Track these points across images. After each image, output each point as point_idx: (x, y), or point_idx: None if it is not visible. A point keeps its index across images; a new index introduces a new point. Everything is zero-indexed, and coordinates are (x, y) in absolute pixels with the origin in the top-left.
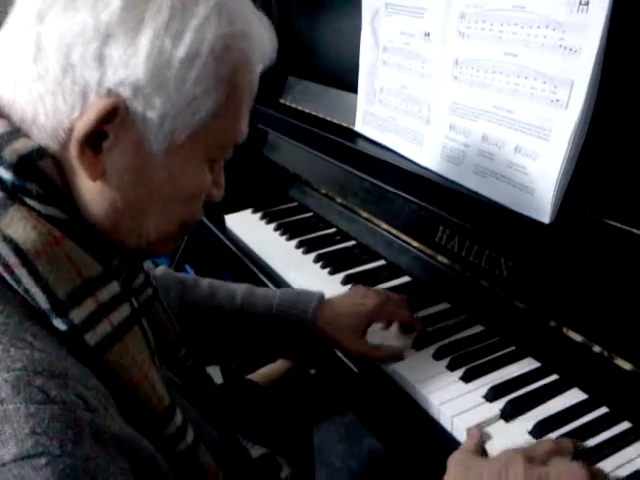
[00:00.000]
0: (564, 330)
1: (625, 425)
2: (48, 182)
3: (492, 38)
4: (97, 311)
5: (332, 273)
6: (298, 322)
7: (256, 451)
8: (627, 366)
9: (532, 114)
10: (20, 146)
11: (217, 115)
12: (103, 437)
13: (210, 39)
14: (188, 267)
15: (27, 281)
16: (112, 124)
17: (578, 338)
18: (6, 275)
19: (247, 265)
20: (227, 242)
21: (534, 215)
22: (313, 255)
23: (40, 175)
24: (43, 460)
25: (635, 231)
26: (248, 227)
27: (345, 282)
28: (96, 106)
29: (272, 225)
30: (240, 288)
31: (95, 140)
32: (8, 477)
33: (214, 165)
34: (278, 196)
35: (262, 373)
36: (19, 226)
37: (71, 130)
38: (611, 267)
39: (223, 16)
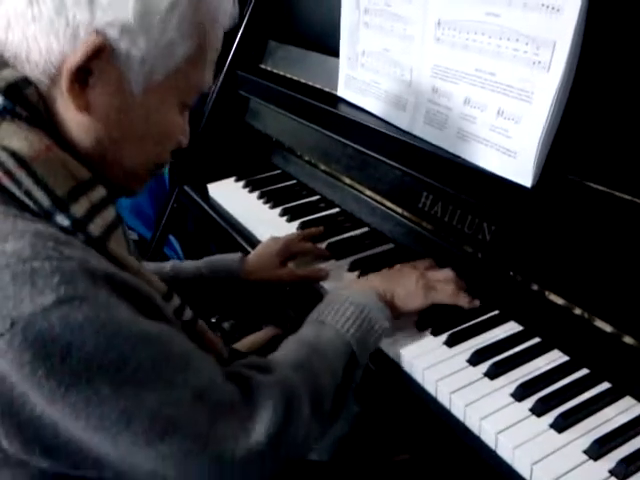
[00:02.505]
0: (546, 293)
1: (605, 385)
2: (33, 108)
3: None
4: (92, 208)
5: (316, 240)
6: (228, 274)
7: None
8: (608, 328)
9: (514, 76)
10: (7, 74)
11: (189, 61)
12: (113, 280)
13: None
14: (172, 238)
15: (27, 182)
16: (98, 61)
17: (560, 301)
18: (6, 182)
19: (231, 234)
20: (210, 211)
21: (516, 179)
22: (297, 223)
23: (26, 101)
24: (77, 302)
25: (617, 194)
26: (231, 196)
27: (329, 249)
28: (85, 44)
29: (255, 193)
30: (166, 262)
31: (83, 75)
32: (52, 319)
33: (183, 109)
34: (261, 164)
35: (247, 342)
36: (13, 138)
37: (61, 66)
38: (593, 230)
39: None
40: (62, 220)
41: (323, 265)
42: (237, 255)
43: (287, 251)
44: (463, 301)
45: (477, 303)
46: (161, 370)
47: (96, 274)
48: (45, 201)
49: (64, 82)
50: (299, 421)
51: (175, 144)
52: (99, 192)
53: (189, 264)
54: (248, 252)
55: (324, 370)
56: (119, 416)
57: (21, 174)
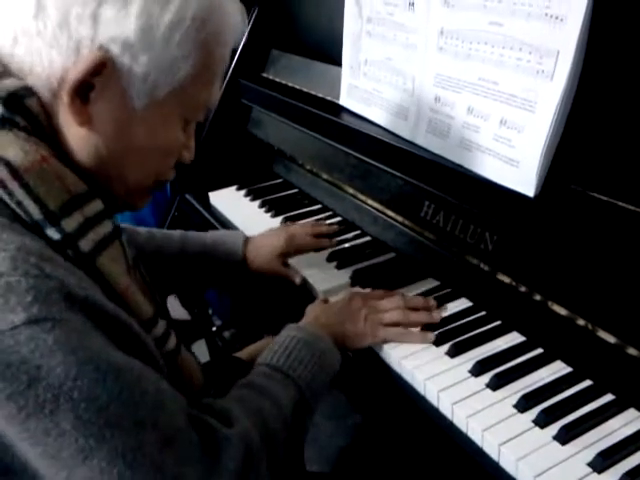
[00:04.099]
0: (549, 304)
1: (609, 397)
2: (34, 119)
3: (477, 7)
4: (85, 223)
5: (318, 250)
6: (228, 254)
7: None
8: (611, 339)
9: (517, 86)
10: (9, 83)
11: (193, 79)
12: (94, 309)
13: (193, 9)
14: None
15: (19, 193)
16: (100, 77)
17: (563, 312)
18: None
19: None
20: (212, 220)
21: (519, 188)
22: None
23: (27, 111)
24: (49, 324)
25: (620, 204)
26: (233, 204)
27: (330, 259)
28: (87, 59)
29: (257, 202)
30: (175, 232)
31: (84, 90)
32: (20, 338)
33: (187, 126)
34: (262, 173)
35: (249, 350)
36: (9, 147)
37: (63, 80)
38: (596, 240)
39: None
40: (53, 233)
41: (328, 274)
42: (239, 237)
43: (290, 246)
44: (415, 339)
45: (431, 337)
46: (130, 410)
47: (75, 297)
48: (36, 213)
49: (65, 96)
50: (258, 476)
51: (177, 160)
52: (95, 206)
53: (195, 239)
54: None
55: (279, 420)
56: (78, 451)
57: (14, 184)
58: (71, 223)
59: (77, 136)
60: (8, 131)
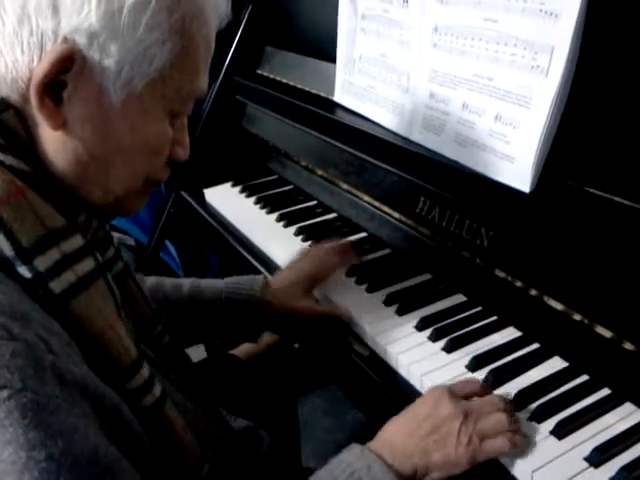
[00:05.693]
0: (545, 299)
1: (605, 392)
2: (10, 134)
3: (471, 3)
4: (61, 261)
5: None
6: (248, 301)
7: (238, 424)
8: (607, 334)
9: (512, 81)
10: None
11: (174, 66)
12: (65, 380)
13: None
14: (168, 243)
15: None
16: (70, 73)
17: (559, 307)
18: None
19: (227, 240)
20: (207, 217)
21: (515, 184)
22: (294, 228)
23: (2, 127)
24: (5, 393)
25: (616, 199)
26: (228, 201)
27: None
28: (51, 53)
29: (252, 198)
30: (185, 280)
31: (55, 90)
32: None
33: (175, 120)
34: (257, 169)
35: (245, 348)
36: None
37: (30, 80)
38: (592, 236)
39: None
40: (24, 272)
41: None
42: (258, 281)
43: (320, 276)
44: (518, 450)
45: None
46: None
47: (44, 364)
48: (8, 250)
49: (33, 97)
50: None
51: (169, 157)
52: (74, 242)
53: (208, 286)
54: (244, 257)
55: None
56: None
57: None
58: (44, 261)
59: (53, 142)
60: None
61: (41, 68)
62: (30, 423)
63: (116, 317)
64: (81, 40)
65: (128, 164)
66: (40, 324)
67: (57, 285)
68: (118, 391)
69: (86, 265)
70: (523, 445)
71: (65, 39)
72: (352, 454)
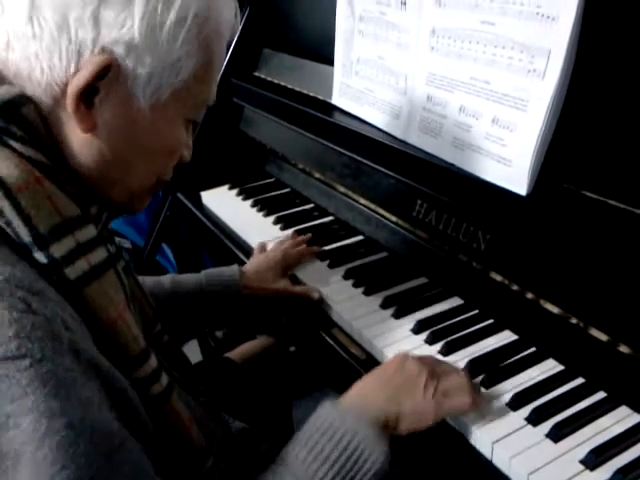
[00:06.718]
0: (541, 302)
1: (601, 395)
2: (30, 128)
3: (469, 6)
4: (76, 249)
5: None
6: (229, 287)
7: (236, 426)
8: (603, 337)
9: (509, 85)
10: (3, 92)
11: (196, 78)
12: (80, 356)
13: (195, 7)
14: (165, 246)
15: (9, 212)
16: (105, 80)
17: (555, 310)
18: None
19: (224, 242)
20: (204, 219)
21: (511, 187)
22: (290, 231)
23: (22, 120)
24: (27, 362)
25: (612, 202)
26: (225, 204)
27: (323, 258)
28: (91, 63)
29: (249, 201)
30: (165, 276)
31: (88, 95)
32: None
33: (189, 125)
34: (254, 172)
35: (241, 351)
36: (3, 164)
37: (65, 85)
38: (588, 239)
39: None
40: (40, 257)
41: (321, 273)
42: (235, 269)
43: (285, 264)
44: (481, 405)
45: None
46: None
47: (62, 338)
48: (25, 236)
49: (69, 103)
50: None
51: (178, 160)
52: (88, 232)
53: (188, 278)
54: (241, 260)
55: None
56: None
57: (4, 204)
58: (60, 248)
59: (81, 142)
60: (3, 146)
61: (79, 77)
62: (50, 392)
63: (125, 307)
64: (119, 50)
65: (147, 165)
66: (56, 303)
67: (72, 272)
68: (127, 378)
69: (99, 255)
70: (482, 406)
71: (103, 49)
72: (324, 408)
